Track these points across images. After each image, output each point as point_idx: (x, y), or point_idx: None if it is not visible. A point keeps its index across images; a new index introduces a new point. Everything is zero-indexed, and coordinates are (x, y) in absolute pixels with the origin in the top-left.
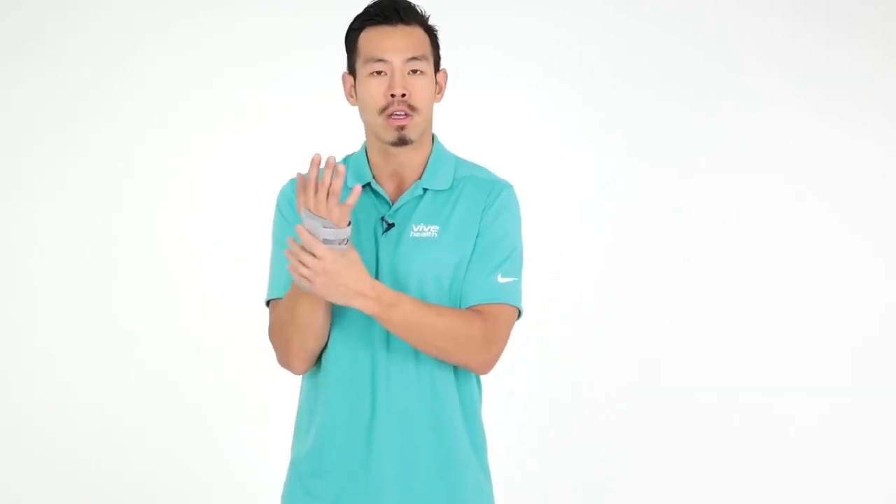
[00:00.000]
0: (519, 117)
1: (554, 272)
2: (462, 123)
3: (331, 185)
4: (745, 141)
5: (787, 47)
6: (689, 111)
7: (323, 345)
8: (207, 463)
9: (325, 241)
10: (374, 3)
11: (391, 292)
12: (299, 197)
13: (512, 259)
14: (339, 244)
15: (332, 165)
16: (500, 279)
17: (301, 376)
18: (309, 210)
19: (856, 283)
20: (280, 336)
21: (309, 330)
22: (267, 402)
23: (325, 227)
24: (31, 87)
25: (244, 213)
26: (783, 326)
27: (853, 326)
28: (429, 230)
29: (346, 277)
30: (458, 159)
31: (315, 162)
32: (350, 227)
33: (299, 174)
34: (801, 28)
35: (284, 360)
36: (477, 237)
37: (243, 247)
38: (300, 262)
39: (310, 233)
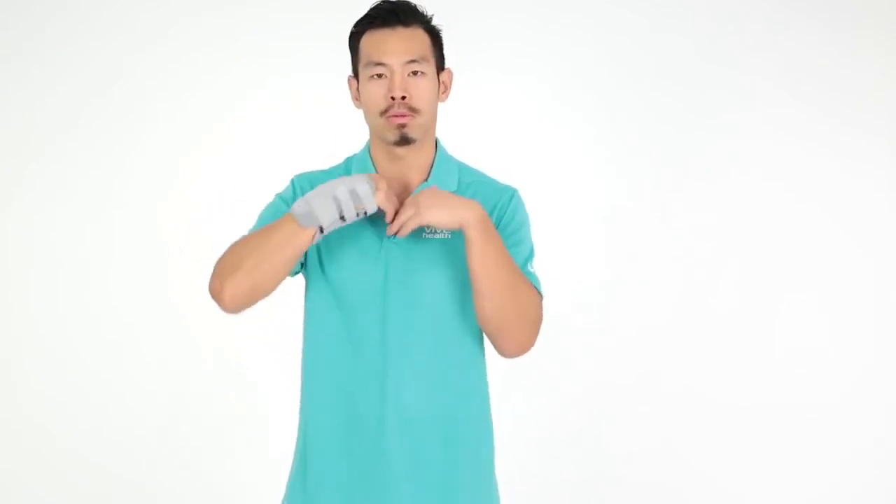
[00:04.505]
0: (523, 118)
1: (556, 273)
2: (464, 124)
3: None
4: (747, 143)
5: (792, 49)
6: (693, 113)
7: (268, 286)
8: (208, 463)
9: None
10: (375, 7)
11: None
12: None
13: (533, 256)
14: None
15: None
16: (530, 268)
17: (301, 379)
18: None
19: (857, 286)
20: (238, 259)
21: (273, 269)
22: (268, 402)
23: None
24: (33, 89)
25: (247, 215)
26: (785, 328)
27: (854, 328)
28: (442, 232)
29: (443, 196)
30: (460, 164)
31: None
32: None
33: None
34: (803, 29)
35: (223, 283)
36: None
37: None
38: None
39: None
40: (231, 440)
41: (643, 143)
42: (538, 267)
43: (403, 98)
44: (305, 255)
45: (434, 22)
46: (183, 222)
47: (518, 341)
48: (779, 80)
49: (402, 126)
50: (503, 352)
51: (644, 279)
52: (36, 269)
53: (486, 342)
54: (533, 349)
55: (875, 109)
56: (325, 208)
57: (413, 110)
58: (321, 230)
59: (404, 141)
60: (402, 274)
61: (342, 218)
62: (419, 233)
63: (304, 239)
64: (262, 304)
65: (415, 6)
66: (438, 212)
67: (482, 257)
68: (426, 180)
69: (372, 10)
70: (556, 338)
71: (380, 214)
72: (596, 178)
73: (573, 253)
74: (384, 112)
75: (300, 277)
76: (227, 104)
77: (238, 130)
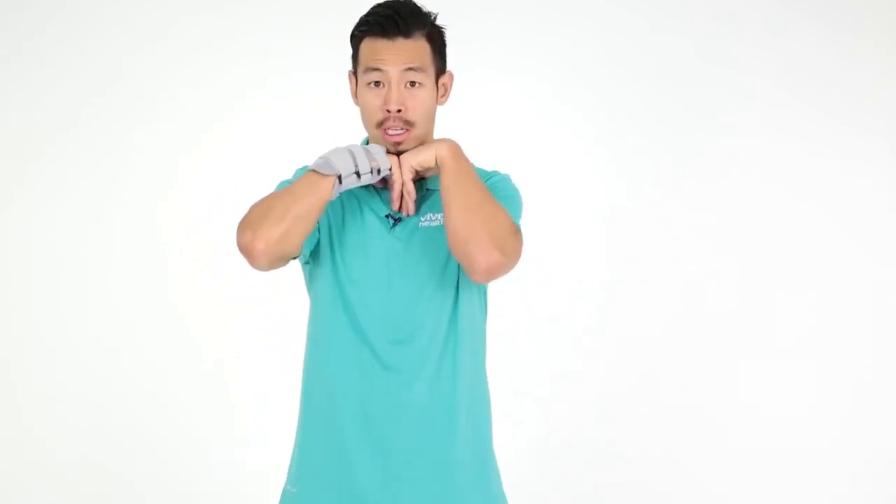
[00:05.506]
0: (523, 118)
1: (556, 273)
2: (464, 125)
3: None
4: (747, 143)
5: (792, 49)
6: (693, 113)
7: (296, 237)
8: (208, 463)
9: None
10: (376, 11)
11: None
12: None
13: (520, 218)
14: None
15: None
16: (518, 221)
17: (303, 371)
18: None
19: (857, 286)
20: (265, 209)
21: (300, 216)
22: (269, 402)
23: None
24: (33, 89)
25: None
26: (785, 328)
27: (854, 328)
28: (436, 218)
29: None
30: None
31: None
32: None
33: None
34: (803, 29)
35: (254, 232)
36: None
37: None
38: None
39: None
40: (231, 440)
41: (643, 143)
42: (527, 269)
43: (399, 111)
44: (317, 243)
45: (438, 21)
46: (183, 222)
47: (488, 258)
48: (779, 80)
49: (398, 143)
50: (473, 272)
51: (644, 279)
52: (36, 269)
53: (487, 341)
54: (532, 349)
55: (875, 109)
56: (341, 159)
57: (408, 123)
58: (339, 181)
59: (399, 154)
60: (402, 266)
61: (357, 174)
62: (417, 223)
63: (325, 187)
64: (261, 303)
65: (417, 8)
66: (415, 153)
67: (455, 172)
68: (424, 181)
69: (373, 14)
70: (555, 337)
71: (385, 206)
72: (596, 178)
73: (573, 253)
74: (380, 124)
75: (300, 280)
76: (227, 104)
77: (238, 130)
